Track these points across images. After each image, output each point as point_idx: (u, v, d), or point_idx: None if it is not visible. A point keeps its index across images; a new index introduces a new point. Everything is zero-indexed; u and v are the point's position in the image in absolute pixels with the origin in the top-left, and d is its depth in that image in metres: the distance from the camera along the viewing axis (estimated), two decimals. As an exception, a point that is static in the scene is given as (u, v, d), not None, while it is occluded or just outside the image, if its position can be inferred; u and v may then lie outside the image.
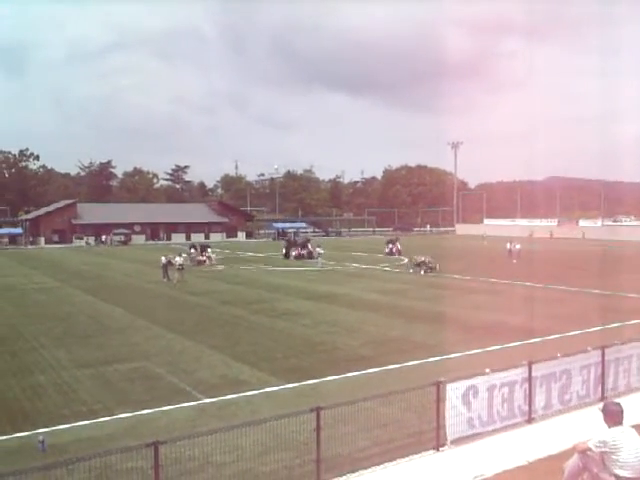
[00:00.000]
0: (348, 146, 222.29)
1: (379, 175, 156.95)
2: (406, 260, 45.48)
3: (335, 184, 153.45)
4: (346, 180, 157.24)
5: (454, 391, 9.95)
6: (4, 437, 10.71)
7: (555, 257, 51.10)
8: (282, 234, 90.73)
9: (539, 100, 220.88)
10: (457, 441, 9.96)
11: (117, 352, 17.26)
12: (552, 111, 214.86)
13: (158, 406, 12.30)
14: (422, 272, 37.80)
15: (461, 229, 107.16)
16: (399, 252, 52.85)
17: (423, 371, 14.46)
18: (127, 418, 11.70)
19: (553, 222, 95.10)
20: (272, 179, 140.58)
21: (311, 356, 16.56)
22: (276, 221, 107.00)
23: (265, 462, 9.23)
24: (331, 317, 22.57)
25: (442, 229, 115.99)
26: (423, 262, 38.94)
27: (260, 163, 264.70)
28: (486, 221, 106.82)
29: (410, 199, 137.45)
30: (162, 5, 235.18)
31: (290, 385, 13.74)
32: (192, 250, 48.16)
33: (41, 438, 10.16)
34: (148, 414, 11.93)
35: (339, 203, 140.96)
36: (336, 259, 48.35)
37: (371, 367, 15.08)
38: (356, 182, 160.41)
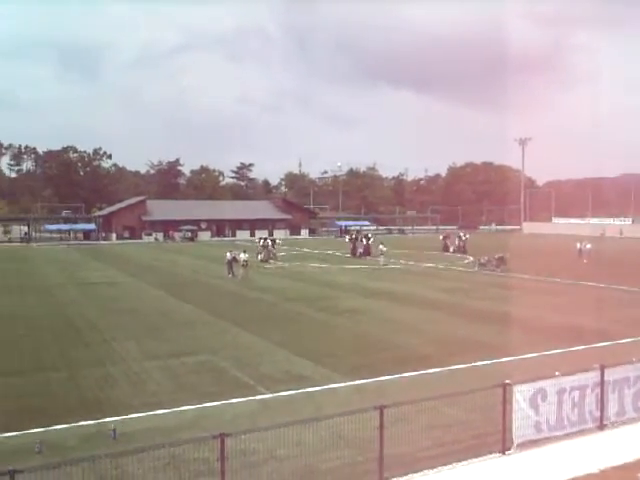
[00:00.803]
0: (412, 143, 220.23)
1: (443, 172, 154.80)
2: (471, 258, 44.66)
3: (398, 182, 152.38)
4: (409, 177, 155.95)
5: (521, 394, 9.71)
6: (80, 424, 11.19)
7: (628, 257, 48.95)
8: (345, 232, 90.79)
9: (611, 94, 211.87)
10: (524, 445, 9.71)
11: (184, 345, 17.73)
12: (625, 106, 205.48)
13: (223, 399, 12.56)
14: (487, 271, 37.04)
15: (528, 228, 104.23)
16: (464, 250, 51.82)
17: (487, 372, 14.16)
18: (193, 410, 11.99)
19: (627, 221, 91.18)
20: (335, 177, 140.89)
21: (373, 354, 16.51)
22: (339, 219, 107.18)
23: (327, 459, 9.28)
24: (393, 315, 22.42)
25: (508, 227, 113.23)
26: (488, 261, 38.16)
27: (324, 161, 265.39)
28: (555, 220, 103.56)
29: (475, 197, 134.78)
30: (228, 6, 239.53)
31: (352, 382, 13.74)
32: (263, 242, 49.25)
33: (113, 427, 10.57)
34: (213, 407, 12.20)
35: (402, 201, 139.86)
36: (398, 257, 47.98)
37: (434, 367, 14.89)
38: (420, 179, 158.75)
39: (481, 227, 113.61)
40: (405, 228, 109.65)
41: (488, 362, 15.32)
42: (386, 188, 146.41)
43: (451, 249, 54.04)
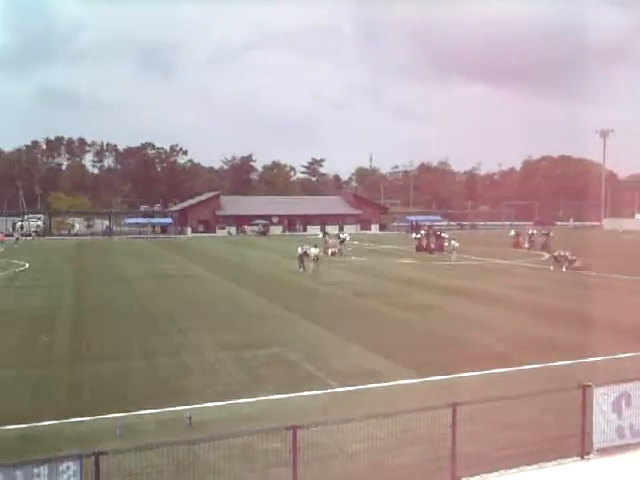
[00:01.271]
0: (485, 137, 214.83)
1: (518, 166, 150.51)
2: (547, 256, 43.22)
3: (471, 176, 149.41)
4: (482, 172, 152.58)
5: (603, 397, 9.32)
6: (158, 410, 11.61)
7: None
8: (416, 227, 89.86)
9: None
10: (604, 450, 9.33)
11: (256, 337, 18.05)
12: None
13: (294, 391, 12.70)
14: (564, 269, 35.73)
15: (609, 224, 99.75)
16: (546, 247, 49.67)
17: (562, 373, 13.70)
18: (264, 401, 12.20)
19: None
20: (406, 172, 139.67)
21: (445, 351, 16.27)
22: (410, 214, 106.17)
23: (398, 455, 9.21)
24: (465, 312, 22.02)
25: (587, 224, 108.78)
26: (564, 257, 36.78)
27: (395, 156, 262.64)
28: (638, 215, 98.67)
29: (551, 191, 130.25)
30: (300, 3, 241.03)
31: (423, 379, 13.60)
32: (332, 236, 49.97)
33: (188, 414, 10.90)
34: (284, 399, 12.35)
35: (475, 196, 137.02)
36: (471, 253, 47.02)
37: (507, 365, 14.52)
38: (493, 174, 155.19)
39: (558, 223, 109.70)
40: (477, 224, 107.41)
41: (563, 362, 14.80)
42: (458, 183, 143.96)
43: (526, 245, 52.47)
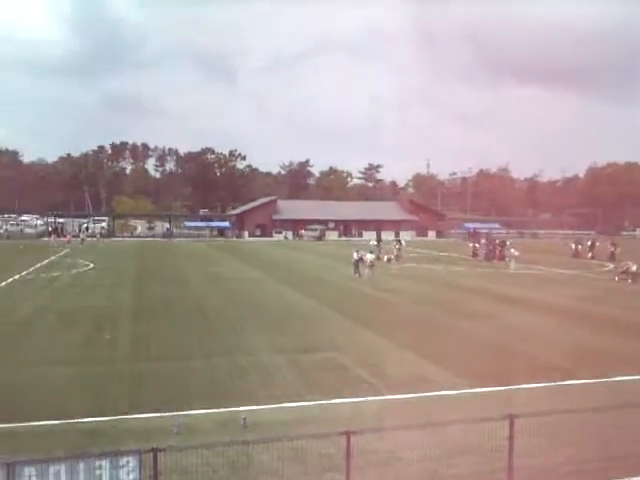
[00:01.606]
0: (547, 143, 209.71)
1: (581, 173, 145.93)
2: (611, 266, 41.74)
3: (532, 183, 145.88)
4: (544, 179, 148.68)
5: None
6: (214, 410, 11.84)
7: None
8: (473, 234, 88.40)
9: None
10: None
11: (310, 341, 18.15)
12: None
13: (346, 397, 12.71)
14: (629, 280, 34.40)
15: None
16: (612, 258, 47.82)
17: (624, 389, 13.19)
18: (317, 405, 12.25)
19: None
20: (464, 178, 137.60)
21: (500, 361, 15.93)
22: (467, 221, 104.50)
23: (451, 464, 9.10)
24: (522, 322, 21.51)
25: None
26: (630, 269, 35.36)
27: (452, 161, 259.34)
28: None
29: (617, 200, 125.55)
30: (356, 6, 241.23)
31: (477, 389, 13.37)
32: (395, 242, 50.04)
33: (243, 415, 11.07)
34: (337, 404, 12.37)
35: (535, 203, 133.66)
36: (531, 261, 45.88)
37: (566, 378, 14.11)
38: (555, 181, 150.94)
39: (623, 232, 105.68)
40: (538, 232, 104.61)
41: (625, 377, 14.26)
42: (518, 190, 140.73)
43: (589, 255, 50.86)
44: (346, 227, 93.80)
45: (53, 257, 48.18)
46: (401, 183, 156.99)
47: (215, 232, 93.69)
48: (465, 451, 9.07)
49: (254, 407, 12.00)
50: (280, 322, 21.24)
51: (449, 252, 60.37)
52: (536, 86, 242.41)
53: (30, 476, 6.89)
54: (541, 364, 15.65)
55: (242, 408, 11.71)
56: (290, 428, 10.50)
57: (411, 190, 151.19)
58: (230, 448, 8.20)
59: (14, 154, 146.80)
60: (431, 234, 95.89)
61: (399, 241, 52.72)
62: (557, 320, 22.02)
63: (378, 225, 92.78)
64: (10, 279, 32.63)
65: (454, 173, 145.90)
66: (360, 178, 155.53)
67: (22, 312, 22.79)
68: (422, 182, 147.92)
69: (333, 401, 12.50)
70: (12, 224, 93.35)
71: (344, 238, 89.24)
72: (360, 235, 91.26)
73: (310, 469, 8.94)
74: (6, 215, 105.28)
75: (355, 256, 37.04)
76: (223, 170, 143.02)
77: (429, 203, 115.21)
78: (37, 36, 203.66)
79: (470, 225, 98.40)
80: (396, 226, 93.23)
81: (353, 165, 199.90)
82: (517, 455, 8.35)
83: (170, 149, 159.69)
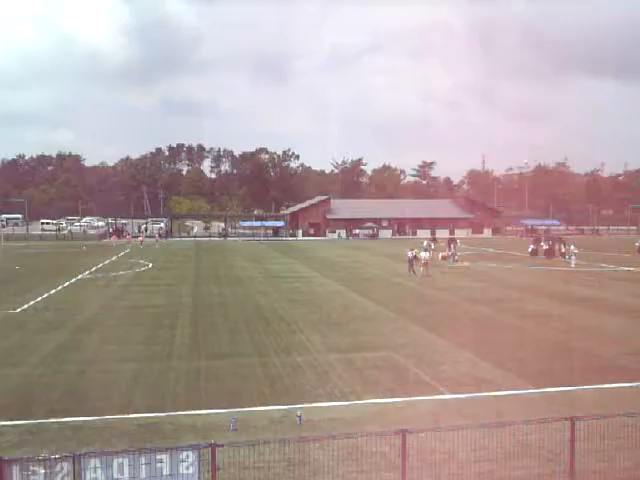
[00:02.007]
0: (609, 136, 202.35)
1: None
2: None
3: (593, 178, 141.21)
4: (606, 173, 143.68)
5: None
6: (270, 407, 11.98)
7: None
8: (531, 231, 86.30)
9: None
10: None
11: (365, 340, 18.11)
12: None
13: (403, 396, 12.63)
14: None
15: None
16: None
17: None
18: (373, 404, 12.22)
19: None
20: (521, 173, 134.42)
21: (563, 361, 15.50)
22: (525, 217, 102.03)
23: (511, 467, 8.91)
24: (585, 321, 20.85)
25: None
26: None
27: (508, 157, 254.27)
28: None
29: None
30: (410, 5, 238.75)
31: (538, 390, 13.04)
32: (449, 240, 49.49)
33: (299, 413, 11.15)
34: (393, 403, 12.31)
35: (597, 199, 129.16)
36: (592, 259, 44.45)
37: (632, 380, 13.60)
38: (618, 175, 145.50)
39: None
40: (600, 228, 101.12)
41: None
42: (578, 185, 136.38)
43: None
44: (400, 225, 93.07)
45: (114, 257, 49.71)
46: (456, 180, 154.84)
47: (269, 231, 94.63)
48: (525, 453, 8.86)
49: (310, 405, 12.07)
50: (336, 321, 21.27)
51: (506, 249, 59.08)
52: (595, 78, 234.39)
53: (95, 467, 7.14)
54: (605, 364, 15.13)
55: (298, 406, 11.79)
56: (346, 426, 10.52)
57: (466, 187, 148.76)
58: (286, 445, 8.26)
59: (77, 158, 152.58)
60: (487, 231, 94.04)
61: (454, 239, 52.03)
62: (621, 319, 21.25)
63: (433, 223, 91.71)
64: (72, 280, 33.84)
65: (510, 169, 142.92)
66: (414, 175, 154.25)
67: (87, 311, 23.59)
68: (477, 178, 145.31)
69: (389, 400, 12.44)
70: (76, 226, 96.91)
71: (398, 237, 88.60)
72: (414, 233, 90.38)
73: (365, 467, 8.92)
74: (70, 217, 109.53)
75: (409, 254, 36.75)
76: (277, 170, 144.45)
77: (485, 200, 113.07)
78: (99, 46, 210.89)
79: (528, 222, 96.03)
80: (451, 224, 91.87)
81: (407, 162, 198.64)
82: (580, 458, 8.11)
83: (225, 150, 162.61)
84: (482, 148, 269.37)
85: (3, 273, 37.79)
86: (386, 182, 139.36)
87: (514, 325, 20.45)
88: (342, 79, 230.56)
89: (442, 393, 12.91)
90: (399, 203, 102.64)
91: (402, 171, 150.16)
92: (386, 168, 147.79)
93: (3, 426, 10.97)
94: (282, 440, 8.39)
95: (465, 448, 8.76)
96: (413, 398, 12.51)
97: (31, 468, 7.09)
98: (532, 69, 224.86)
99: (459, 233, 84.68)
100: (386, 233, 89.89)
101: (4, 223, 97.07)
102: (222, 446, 7.39)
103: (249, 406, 12.02)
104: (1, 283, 32.57)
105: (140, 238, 69.74)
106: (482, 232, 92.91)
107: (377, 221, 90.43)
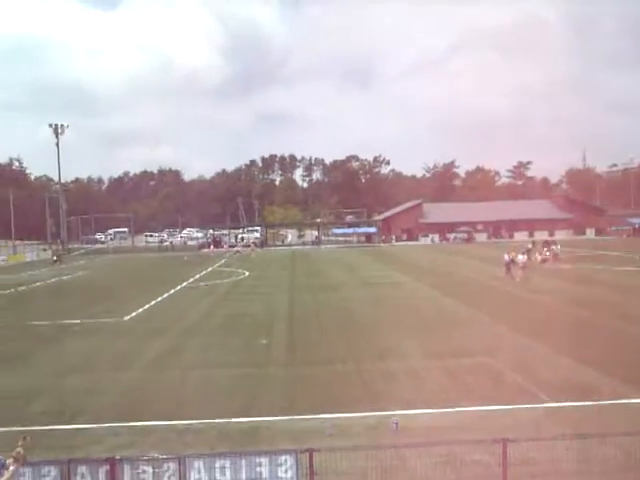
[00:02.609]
0: None
1: None
2: None
3: None
4: None
5: None
6: (365, 414, 12.03)
7: None
8: (639, 231, 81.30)
9: None
10: None
11: (461, 346, 17.78)
12: None
13: (502, 403, 12.30)
14: None
15: None
16: None
17: None
18: (471, 412, 11.98)
19: None
20: (626, 169, 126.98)
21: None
22: (632, 216, 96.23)
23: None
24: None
25: None
26: None
27: (611, 153, 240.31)
28: None
29: None
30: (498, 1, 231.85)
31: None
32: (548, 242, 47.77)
33: (395, 420, 11.13)
34: (492, 410, 12.02)
35: None
36: None
37: None
38: None
39: None
40: None
41: None
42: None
43: None
44: (495, 228, 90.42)
45: (212, 267, 51.56)
46: (553, 179, 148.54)
47: (362, 238, 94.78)
48: (634, 467, 8.39)
49: (406, 411, 12.01)
50: (430, 326, 21.02)
51: (610, 250, 55.98)
52: None
53: (199, 469, 7.50)
54: None
55: (394, 412, 11.77)
56: (443, 433, 10.38)
57: (565, 186, 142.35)
58: (382, 451, 8.28)
59: (177, 173, 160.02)
60: (589, 232, 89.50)
61: (554, 241, 50.01)
62: None
63: (530, 225, 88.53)
64: (174, 289, 35.45)
65: (614, 165, 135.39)
66: (508, 177, 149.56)
67: (189, 319, 24.66)
68: (577, 177, 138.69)
69: (488, 407, 12.16)
70: (177, 237, 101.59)
71: (494, 240, 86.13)
72: (511, 236, 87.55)
73: (463, 476, 8.77)
74: (171, 229, 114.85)
75: (506, 258, 35.69)
76: (368, 176, 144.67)
77: (586, 199, 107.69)
78: (194, 65, 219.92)
79: (636, 220, 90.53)
80: (550, 225, 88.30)
81: (501, 163, 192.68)
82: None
83: (316, 159, 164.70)
84: (582, 144, 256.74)
85: (116, 283, 40.30)
86: (480, 184, 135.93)
87: (619, 329, 19.40)
88: (430, 80, 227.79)
89: (543, 401, 12.46)
90: (494, 205, 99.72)
91: (496, 172, 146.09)
92: (479, 170, 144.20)
93: (118, 427, 11.69)
94: (377, 446, 8.40)
95: (569, 459, 8.42)
96: (513, 406, 12.15)
97: (141, 467, 7.55)
98: (631, 56, 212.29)
99: (559, 234, 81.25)
100: (481, 236, 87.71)
101: (112, 237, 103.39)
102: (319, 451, 7.53)
103: (345, 412, 12.12)
104: (113, 292, 34.73)
105: (237, 247, 71.97)
106: (584, 233, 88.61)
107: (471, 224, 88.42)
